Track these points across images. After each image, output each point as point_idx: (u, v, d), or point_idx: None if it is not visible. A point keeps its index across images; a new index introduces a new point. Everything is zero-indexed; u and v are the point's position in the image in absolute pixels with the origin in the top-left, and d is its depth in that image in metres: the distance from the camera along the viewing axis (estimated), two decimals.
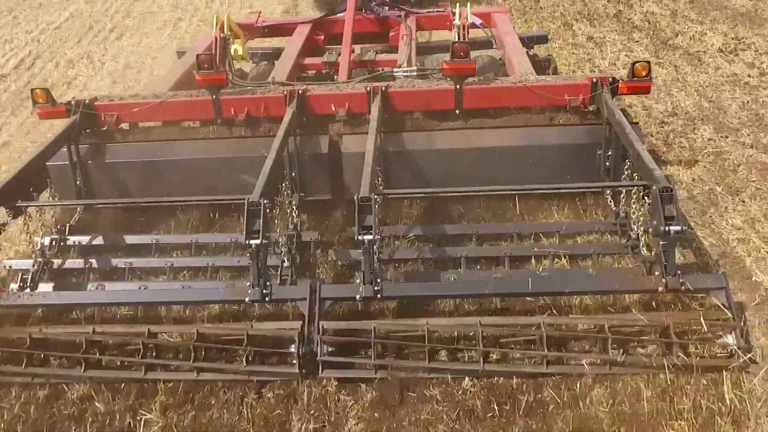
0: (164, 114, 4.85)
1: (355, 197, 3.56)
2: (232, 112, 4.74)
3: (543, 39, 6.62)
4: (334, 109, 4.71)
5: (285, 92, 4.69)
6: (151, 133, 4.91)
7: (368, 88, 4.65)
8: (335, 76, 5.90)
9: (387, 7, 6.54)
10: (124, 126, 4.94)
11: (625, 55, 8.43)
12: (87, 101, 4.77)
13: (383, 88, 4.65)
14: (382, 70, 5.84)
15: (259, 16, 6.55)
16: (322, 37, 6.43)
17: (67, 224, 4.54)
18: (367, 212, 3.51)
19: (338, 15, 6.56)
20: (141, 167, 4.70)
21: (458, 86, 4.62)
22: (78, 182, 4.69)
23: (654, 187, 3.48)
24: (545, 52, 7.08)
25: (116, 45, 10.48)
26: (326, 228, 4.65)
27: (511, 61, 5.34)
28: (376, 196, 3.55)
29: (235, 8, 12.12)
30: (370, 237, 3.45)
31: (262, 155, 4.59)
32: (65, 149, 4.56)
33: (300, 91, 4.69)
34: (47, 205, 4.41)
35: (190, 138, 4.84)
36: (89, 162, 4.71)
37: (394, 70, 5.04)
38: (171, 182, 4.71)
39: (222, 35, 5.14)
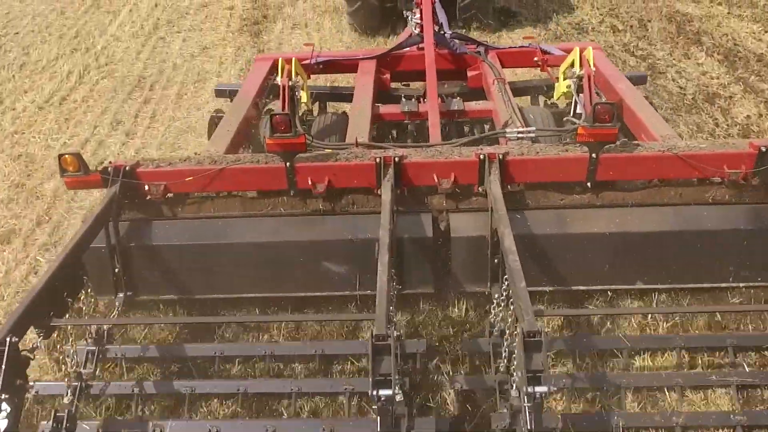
0: (224, 184, 3.90)
1: (518, 329, 2.64)
2: (309, 183, 3.82)
3: (642, 79, 5.73)
4: (436, 180, 3.80)
5: (378, 159, 3.76)
6: (205, 205, 3.96)
7: (482, 156, 3.74)
8: (408, 126, 4.99)
9: (464, 42, 5.62)
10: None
11: None
12: (128, 168, 3.81)
13: (501, 156, 3.73)
14: (458, 120, 4.95)
15: (312, 49, 5.60)
16: (388, 76, 5.50)
17: (105, 328, 3.58)
18: (534, 350, 2.59)
19: (405, 50, 5.63)
20: (195, 252, 3.77)
21: (594, 155, 3.72)
22: (117, 269, 3.75)
23: None
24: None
25: None
26: (432, 333, 3.74)
27: (635, 115, 4.42)
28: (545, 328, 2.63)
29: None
30: (543, 389, 2.53)
31: (346, 239, 3.71)
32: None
33: (397, 159, 3.77)
34: (87, 324, 3.45)
35: (255, 214, 3.90)
36: (131, 245, 3.77)
37: (507, 130, 4.11)
38: (233, 271, 3.79)
39: (290, 83, 4.21)
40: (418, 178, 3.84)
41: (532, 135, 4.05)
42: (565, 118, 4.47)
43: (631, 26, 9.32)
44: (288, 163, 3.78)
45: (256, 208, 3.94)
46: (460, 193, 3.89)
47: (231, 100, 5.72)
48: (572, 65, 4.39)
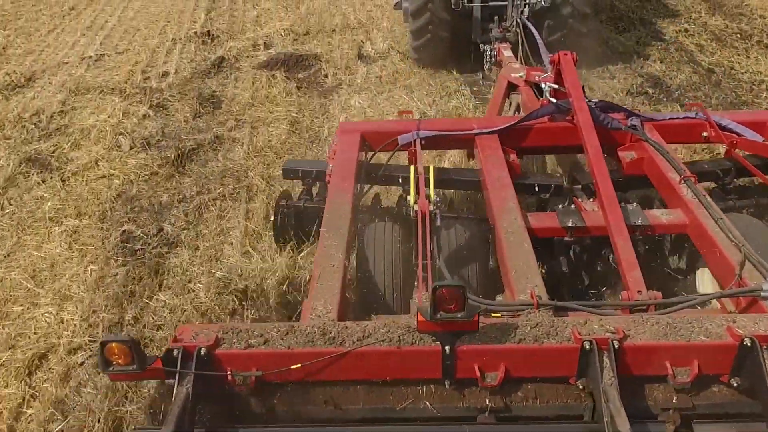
0: (345, 371, 2.60)
1: None
2: (476, 372, 2.53)
3: None
4: (670, 370, 2.51)
5: (587, 344, 2.46)
6: (315, 397, 2.67)
7: (747, 341, 2.44)
8: (568, 248, 3.67)
9: (617, 113, 4.27)
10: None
11: None
12: (203, 351, 2.52)
13: None
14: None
15: (412, 118, 4.29)
16: (515, 157, 4.16)
17: None
18: None
19: (533, 120, 4.31)
20: None
21: None
22: None
23: None
24: None
25: None
26: None
27: None
28: None
29: None
30: None
31: None
32: None
33: (616, 344, 2.47)
34: None
35: (391, 416, 2.61)
36: None
37: (763, 287, 2.80)
38: None
39: (431, 207, 2.90)
40: (641, 366, 2.55)
41: None
42: None
43: None
44: (447, 347, 2.50)
45: (391, 402, 2.65)
46: (702, 387, 2.60)
47: (303, 182, 4.45)
48: None
